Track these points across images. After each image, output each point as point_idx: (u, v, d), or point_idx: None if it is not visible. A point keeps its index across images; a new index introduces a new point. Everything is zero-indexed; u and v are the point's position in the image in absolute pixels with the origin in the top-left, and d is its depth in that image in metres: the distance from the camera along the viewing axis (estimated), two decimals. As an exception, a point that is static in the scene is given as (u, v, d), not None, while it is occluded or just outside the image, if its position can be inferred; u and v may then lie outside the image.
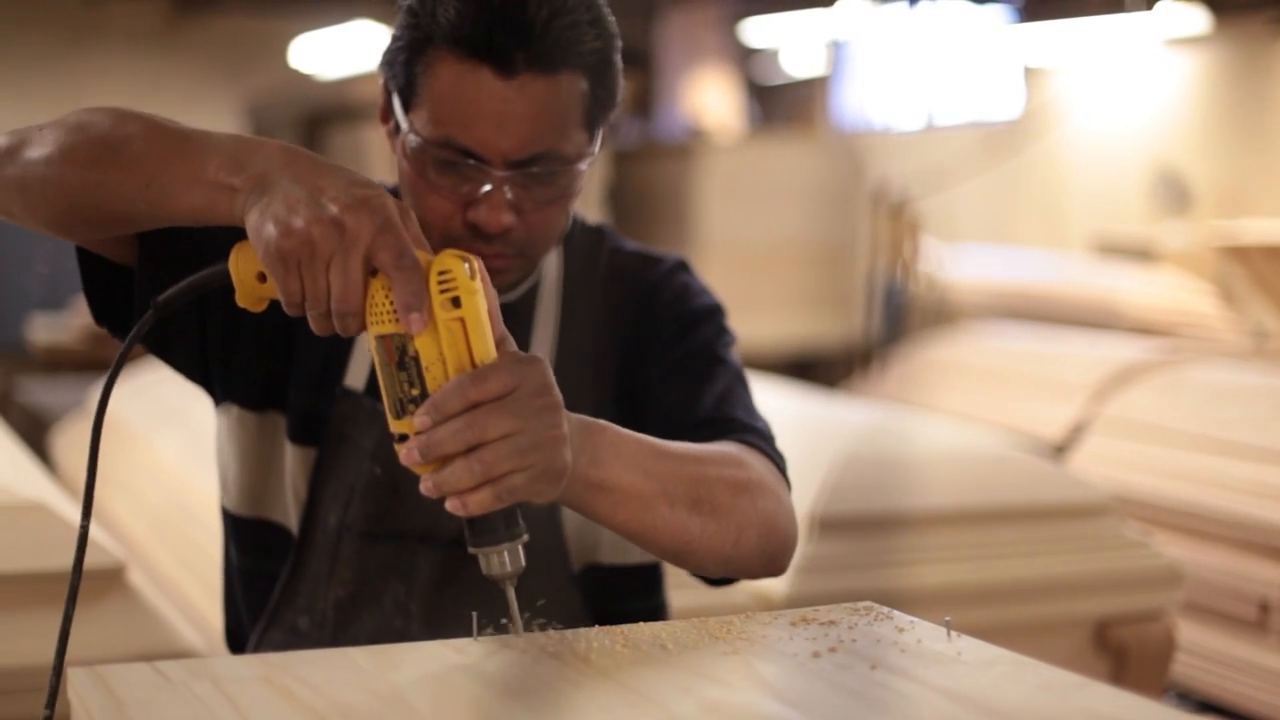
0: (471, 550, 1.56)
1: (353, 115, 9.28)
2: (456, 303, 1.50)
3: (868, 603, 1.67)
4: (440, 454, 1.49)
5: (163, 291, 1.66)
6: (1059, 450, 4.98)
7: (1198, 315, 8.57)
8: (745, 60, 13.72)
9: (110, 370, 1.64)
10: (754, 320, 9.14)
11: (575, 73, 1.82)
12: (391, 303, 1.50)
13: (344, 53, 12.58)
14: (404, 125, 1.84)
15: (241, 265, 1.58)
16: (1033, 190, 12.61)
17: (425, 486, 1.51)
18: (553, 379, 1.55)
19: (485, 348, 1.51)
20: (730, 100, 12.13)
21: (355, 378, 1.97)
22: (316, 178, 1.53)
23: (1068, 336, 6.62)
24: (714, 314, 2.08)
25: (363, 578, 1.96)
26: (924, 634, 1.56)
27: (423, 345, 1.50)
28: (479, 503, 1.51)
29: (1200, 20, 10.24)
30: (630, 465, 1.67)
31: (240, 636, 2.09)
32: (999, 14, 10.87)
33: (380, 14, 12.03)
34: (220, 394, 2.02)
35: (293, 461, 1.98)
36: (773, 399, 4.74)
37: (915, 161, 10.98)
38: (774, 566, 1.84)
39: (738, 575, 1.85)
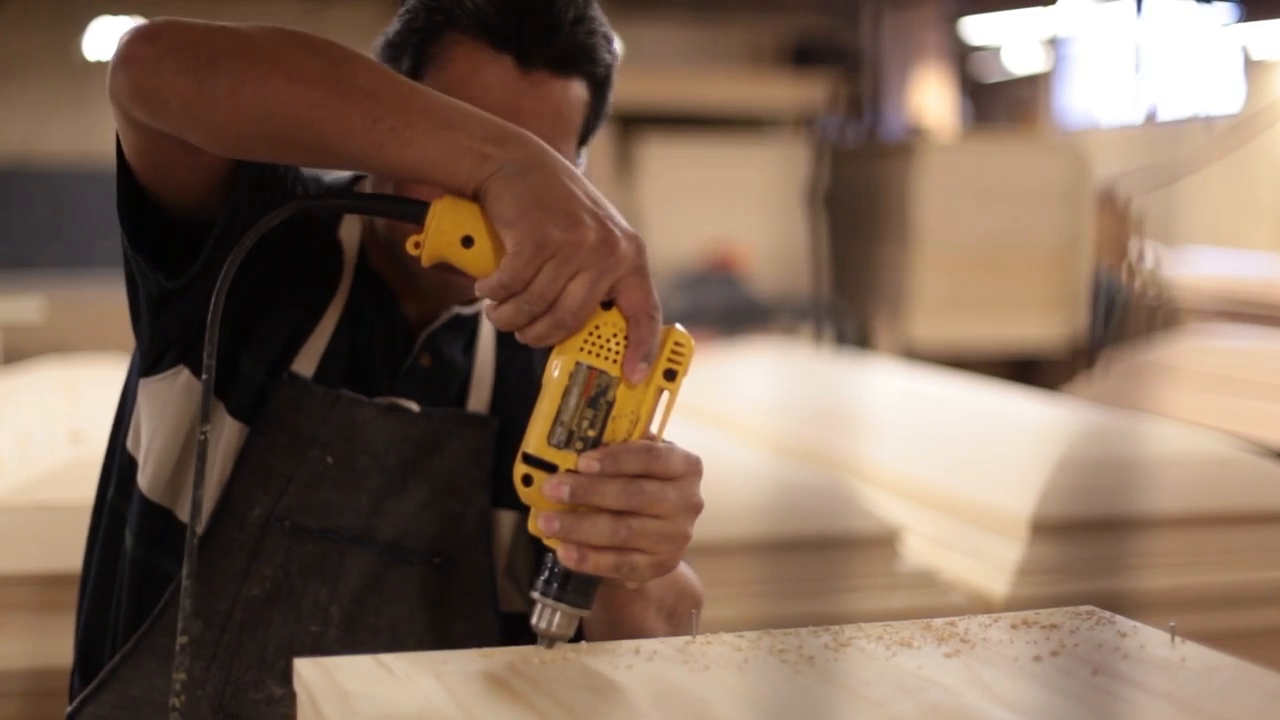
0: (535, 596, 1.51)
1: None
2: (670, 376, 1.49)
3: (1089, 607, 1.65)
4: (595, 503, 1.46)
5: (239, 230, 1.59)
6: (1285, 454, 4.88)
7: None
8: (964, 58, 13.63)
9: (227, 266, 1.55)
10: (974, 321, 9.09)
11: (584, 81, 1.81)
12: (615, 341, 1.47)
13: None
14: None
15: (447, 220, 1.51)
16: (1258, 188, 12.35)
17: (546, 525, 1.48)
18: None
19: (663, 430, 1.52)
20: (947, 98, 12.05)
21: (304, 365, 1.85)
22: (587, 187, 1.49)
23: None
24: None
25: (284, 575, 1.83)
26: (1147, 639, 1.54)
27: (624, 396, 1.48)
28: (598, 564, 1.48)
29: None
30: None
31: (98, 642, 1.92)
32: (1222, 10, 10.68)
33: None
34: (175, 355, 1.85)
35: (227, 440, 1.84)
36: (991, 400, 4.70)
37: (1136, 159, 10.82)
38: None
39: None
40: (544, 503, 1.48)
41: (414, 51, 1.80)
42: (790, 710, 1.34)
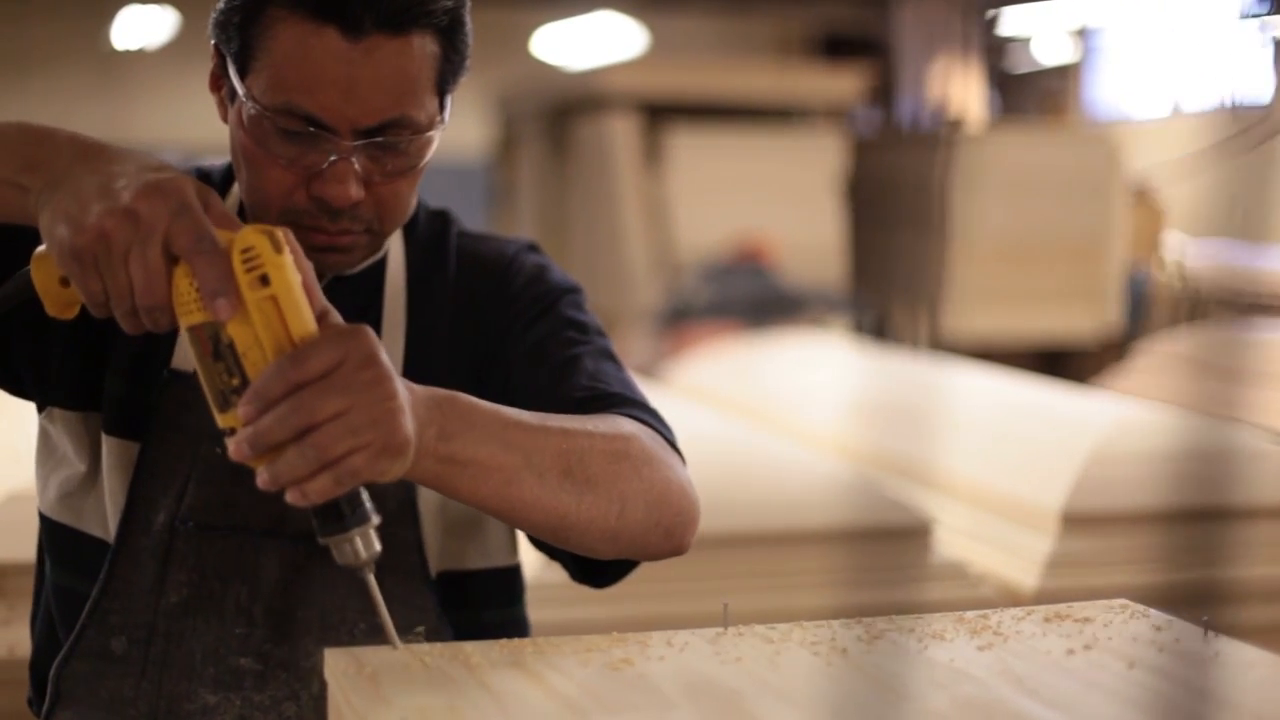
0: (321, 541, 1.46)
1: (599, 105, 9.35)
2: (265, 280, 1.40)
3: (1122, 600, 1.65)
4: (270, 444, 1.39)
5: None
6: (1312, 447, 4.85)
7: None
8: (993, 49, 13.60)
9: None
10: (1004, 312, 9.07)
11: (426, 33, 1.68)
12: (197, 290, 1.41)
13: (587, 44, 12.70)
14: (240, 92, 1.67)
15: (43, 273, 1.50)
16: (1288, 181, 12.31)
17: (262, 480, 1.41)
18: (379, 348, 1.43)
19: (303, 324, 1.42)
20: (976, 89, 12.03)
21: (184, 359, 1.77)
22: (108, 165, 1.45)
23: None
24: (573, 292, 1.93)
25: (200, 579, 1.78)
26: (1181, 633, 1.53)
27: (236, 331, 1.41)
28: (319, 490, 1.40)
29: None
30: (486, 436, 1.54)
31: (47, 663, 1.87)
32: (1252, 0, 10.64)
33: (623, 5, 12.11)
34: (41, 401, 1.85)
35: (109, 457, 1.80)
36: (1022, 393, 4.69)
37: (1165, 151, 10.79)
38: (672, 542, 1.71)
39: (630, 554, 1.71)
40: (251, 464, 1.42)
41: (239, 31, 1.68)
42: (823, 703, 1.34)
